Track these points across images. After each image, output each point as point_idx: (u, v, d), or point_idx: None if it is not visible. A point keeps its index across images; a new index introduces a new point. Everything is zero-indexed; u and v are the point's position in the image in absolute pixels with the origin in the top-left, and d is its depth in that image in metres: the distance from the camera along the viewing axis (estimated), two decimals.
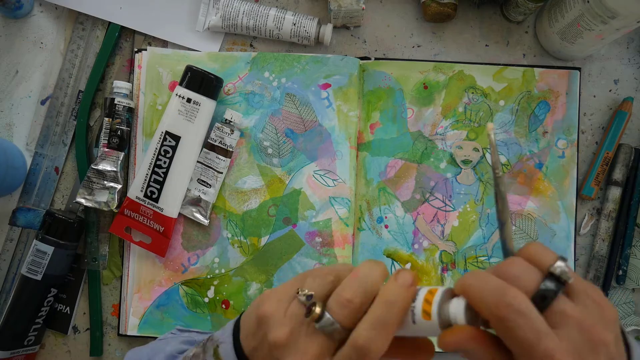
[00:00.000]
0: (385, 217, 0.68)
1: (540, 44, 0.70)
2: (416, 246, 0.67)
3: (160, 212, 0.65)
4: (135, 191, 0.65)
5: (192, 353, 0.45)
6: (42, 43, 0.71)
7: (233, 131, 0.66)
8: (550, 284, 0.34)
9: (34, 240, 0.64)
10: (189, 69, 0.64)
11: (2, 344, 0.63)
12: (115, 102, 0.65)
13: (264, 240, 0.67)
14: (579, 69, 0.69)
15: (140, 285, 0.67)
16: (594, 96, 0.70)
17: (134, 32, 0.70)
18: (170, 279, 0.67)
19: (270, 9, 0.68)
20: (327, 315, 0.37)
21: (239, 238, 0.67)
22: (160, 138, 0.64)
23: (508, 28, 0.70)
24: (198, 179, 0.66)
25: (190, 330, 0.58)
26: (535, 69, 0.68)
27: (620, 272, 0.67)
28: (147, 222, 0.65)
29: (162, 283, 0.67)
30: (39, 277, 0.63)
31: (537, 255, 0.36)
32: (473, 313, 0.35)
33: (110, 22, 0.70)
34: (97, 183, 0.65)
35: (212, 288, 0.66)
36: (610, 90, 0.70)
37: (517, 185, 0.68)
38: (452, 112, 0.68)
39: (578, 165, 0.68)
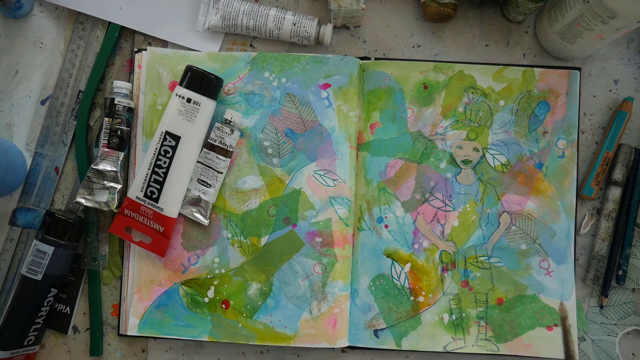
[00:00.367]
0: (385, 217, 0.68)
1: (540, 44, 0.70)
2: (416, 246, 0.67)
3: (160, 212, 0.65)
4: (135, 191, 0.65)
5: None
6: (42, 43, 0.71)
7: (233, 131, 0.66)
8: None
9: (34, 240, 0.64)
10: (189, 69, 0.64)
11: (2, 344, 0.63)
12: (115, 102, 0.65)
13: (264, 240, 0.67)
14: (579, 69, 0.69)
15: (140, 285, 0.67)
16: (594, 96, 0.70)
17: (134, 32, 0.70)
18: (170, 279, 0.67)
19: (270, 9, 0.68)
20: None
21: (239, 238, 0.67)
22: (160, 138, 0.64)
23: (508, 28, 0.70)
24: (198, 179, 0.66)
25: None
26: (535, 69, 0.68)
27: (620, 272, 0.67)
28: (147, 222, 0.65)
29: (162, 283, 0.67)
30: (39, 277, 0.63)
31: None
32: None
33: (110, 22, 0.70)
34: (97, 183, 0.65)
35: (212, 288, 0.66)
36: (610, 90, 0.70)
37: (517, 185, 0.68)
38: (452, 112, 0.68)
39: (578, 165, 0.68)
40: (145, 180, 0.65)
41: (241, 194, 0.67)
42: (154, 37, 0.70)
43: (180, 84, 0.64)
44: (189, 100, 0.64)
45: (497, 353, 0.66)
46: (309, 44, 0.69)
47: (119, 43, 0.71)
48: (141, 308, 0.66)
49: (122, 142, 0.66)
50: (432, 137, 0.68)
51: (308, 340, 0.65)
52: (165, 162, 0.64)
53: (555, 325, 0.66)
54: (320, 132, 0.67)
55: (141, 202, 0.65)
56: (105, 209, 0.65)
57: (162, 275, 0.67)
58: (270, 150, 0.68)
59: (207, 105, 0.65)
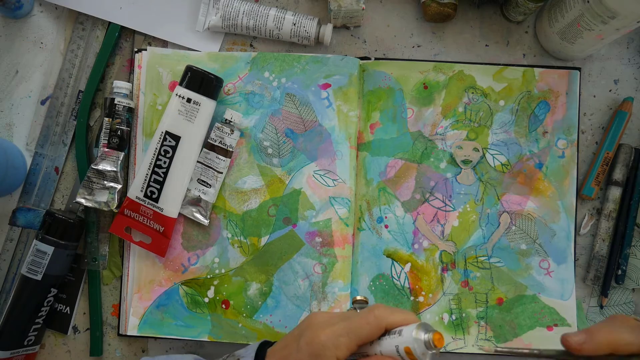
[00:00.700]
0: (385, 217, 0.68)
1: (540, 44, 0.70)
2: (416, 246, 0.67)
3: (160, 212, 0.65)
4: (135, 191, 0.65)
5: None
6: (42, 43, 0.71)
7: (233, 131, 0.66)
8: None
9: (34, 240, 0.64)
10: (189, 69, 0.64)
11: (2, 344, 0.63)
12: (115, 102, 0.65)
13: (264, 240, 0.67)
14: (579, 69, 0.69)
15: (140, 285, 0.67)
16: (594, 96, 0.70)
17: (134, 32, 0.70)
18: (170, 279, 0.67)
19: (270, 9, 0.68)
20: None
21: (239, 238, 0.67)
22: (160, 138, 0.64)
23: (508, 28, 0.70)
24: (198, 179, 0.66)
25: None
26: (535, 69, 0.68)
27: (620, 272, 0.67)
28: (147, 222, 0.65)
29: (162, 283, 0.67)
30: (39, 277, 0.63)
31: None
32: None
33: (110, 22, 0.70)
34: (97, 183, 0.65)
35: (212, 288, 0.66)
36: (610, 90, 0.70)
37: (517, 185, 0.68)
38: (452, 112, 0.68)
39: (578, 165, 0.68)
40: (145, 180, 0.65)
41: (241, 194, 0.67)
42: (154, 37, 0.70)
43: (180, 84, 0.64)
44: (189, 100, 0.64)
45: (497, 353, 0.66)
46: (309, 44, 0.69)
47: (119, 43, 0.71)
48: (141, 308, 0.66)
49: (122, 142, 0.66)
50: (432, 137, 0.68)
51: None
52: (165, 162, 0.64)
53: (555, 325, 0.66)
54: (320, 132, 0.67)
55: (141, 202, 0.65)
56: (105, 209, 0.65)
57: (162, 275, 0.67)
58: (270, 150, 0.68)
59: (207, 105, 0.65)
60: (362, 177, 0.68)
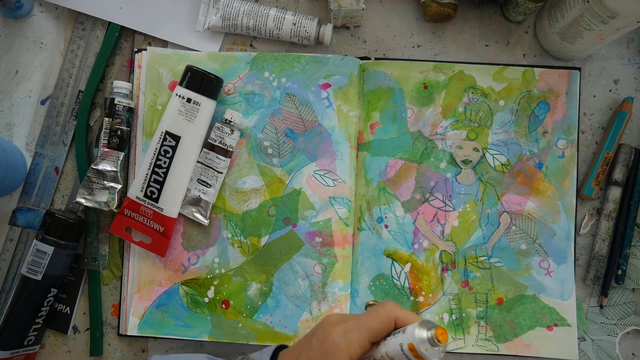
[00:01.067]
0: (385, 217, 0.68)
1: (540, 44, 0.70)
2: (416, 246, 0.67)
3: (160, 212, 0.65)
4: (135, 191, 0.65)
5: None
6: (42, 43, 0.71)
7: (233, 131, 0.66)
8: None
9: (34, 240, 0.64)
10: (189, 69, 0.64)
11: (2, 344, 0.63)
12: (115, 102, 0.65)
13: (264, 240, 0.67)
14: (579, 69, 0.69)
15: (140, 285, 0.67)
16: (594, 96, 0.70)
17: (134, 32, 0.70)
18: (170, 279, 0.67)
19: (270, 9, 0.68)
20: None
21: (239, 238, 0.67)
22: (160, 138, 0.64)
23: (508, 28, 0.70)
24: (198, 179, 0.66)
25: None
26: (535, 69, 0.68)
27: (620, 272, 0.67)
28: (147, 222, 0.65)
29: (162, 283, 0.67)
30: (39, 277, 0.63)
31: None
32: None
33: (110, 22, 0.70)
34: (97, 183, 0.65)
35: (212, 288, 0.66)
36: (610, 90, 0.70)
37: (517, 185, 0.68)
38: (452, 112, 0.68)
39: (578, 165, 0.68)
40: (145, 180, 0.65)
41: (241, 194, 0.67)
42: (154, 37, 0.70)
43: (180, 84, 0.64)
44: (189, 100, 0.64)
45: (497, 353, 0.66)
46: (309, 44, 0.69)
47: (119, 43, 0.71)
48: (141, 308, 0.66)
49: (122, 142, 0.66)
50: (432, 137, 0.68)
51: None
52: (165, 162, 0.64)
53: (555, 325, 0.66)
54: (320, 132, 0.67)
55: (141, 202, 0.65)
56: (105, 209, 0.65)
57: (162, 275, 0.67)
58: (270, 150, 0.68)
59: (207, 105, 0.65)
60: (362, 177, 0.68)
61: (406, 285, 0.67)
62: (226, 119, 0.66)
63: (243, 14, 0.67)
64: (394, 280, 0.67)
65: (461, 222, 0.67)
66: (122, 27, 0.70)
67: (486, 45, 0.70)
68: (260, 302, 0.66)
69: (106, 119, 0.66)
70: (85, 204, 0.65)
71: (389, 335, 0.46)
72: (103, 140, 0.66)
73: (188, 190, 0.66)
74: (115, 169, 0.66)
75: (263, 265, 0.66)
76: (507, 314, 0.66)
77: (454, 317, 0.66)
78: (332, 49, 0.70)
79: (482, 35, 0.70)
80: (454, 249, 0.67)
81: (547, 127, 0.68)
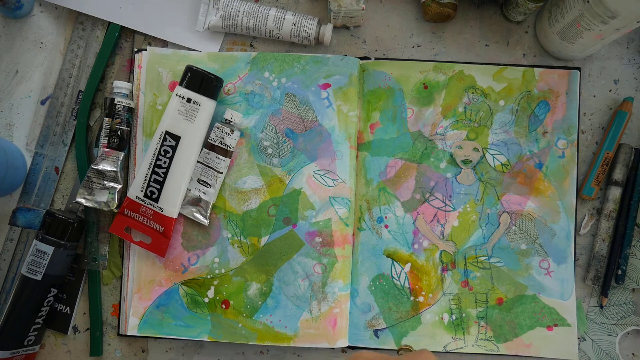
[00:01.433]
0: (385, 217, 0.68)
1: (540, 44, 0.70)
2: (416, 246, 0.67)
3: (160, 212, 0.65)
4: (135, 191, 0.65)
5: None
6: (42, 43, 0.71)
7: (233, 131, 0.66)
8: None
9: (34, 240, 0.64)
10: (189, 69, 0.64)
11: (2, 344, 0.63)
12: (115, 102, 0.65)
13: (264, 240, 0.67)
14: (579, 69, 0.69)
15: (140, 285, 0.67)
16: (594, 96, 0.70)
17: (134, 32, 0.70)
18: (170, 279, 0.67)
19: (270, 9, 0.68)
20: None
21: (239, 238, 0.67)
22: (160, 138, 0.64)
23: (508, 28, 0.70)
24: (198, 179, 0.66)
25: None
26: (535, 69, 0.68)
27: (620, 272, 0.67)
28: (147, 222, 0.65)
29: (162, 283, 0.67)
30: (39, 277, 0.63)
31: None
32: None
33: (110, 22, 0.70)
34: (97, 183, 0.65)
35: (212, 288, 0.66)
36: (610, 90, 0.70)
37: (517, 185, 0.68)
38: (452, 112, 0.68)
39: (578, 165, 0.68)
40: (145, 180, 0.65)
41: (241, 194, 0.67)
42: (154, 37, 0.70)
43: (180, 84, 0.64)
44: (189, 100, 0.64)
45: (497, 353, 0.66)
46: (309, 44, 0.69)
47: (119, 43, 0.71)
48: (141, 308, 0.66)
49: (122, 142, 0.66)
50: (432, 137, 0.68)
51: (308, 340, 0.65)
52: (165, 162, 0.64)
53: (555, 325, 0.66)
54: (320, 132, 0.67)
55: (141, 202, 0.65)
56: (105, 209, 0.65)
57: (162, 275, 0.67)
58: (270, 150, 0.68)
59: (207, 105, 0.65)
60: (362, 177, 0.68)
61: (406, 285, 0.67)
62: (226, 119, 0.66)
63: (243, 14, 0.67)
64: (394, 280, 0.67)
65: (461, 222, 0.67)
66: (122, 27, 0.70)
67: (486, 45, 0.70)
68: (260, 302, 0.66)
69: (106, 119, 0.66)
70: (85, 204, 0.65)
71: None
72: (103, 140, 0.66)
73: (188, 190, 0.66)
74: (115, 169, 0.66)
75: (263, 265, 0.66)
76: (507, 314, 0.66)
77: (454, 317, 0.66)
78: (332, 49, 0.70)
79: (482, 35, 0.70)
80: (454, 249, 0.67)
81: (547, 127, 0.68)
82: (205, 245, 0.67)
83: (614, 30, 0.59)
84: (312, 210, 0.67)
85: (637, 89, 0.70)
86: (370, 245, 0.67)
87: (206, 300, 0.66)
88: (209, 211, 0.66)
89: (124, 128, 0.66)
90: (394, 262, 0.67)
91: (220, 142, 0.66)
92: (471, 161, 0.68)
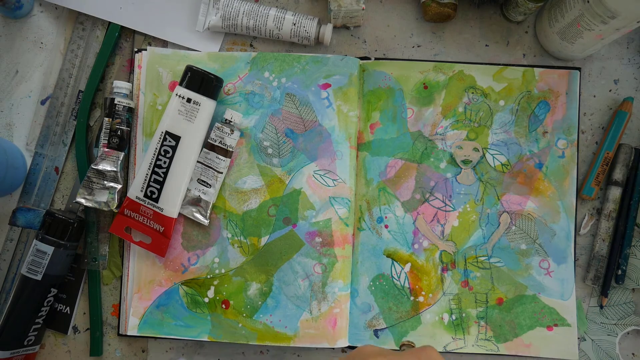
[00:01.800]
0: (385, 217, 0.68)
1: (540, 44, 0.70)
2: (416, 246, 0.67)
3: (160, 212, 0.65)
4: (135, 191, 0.65)
5: None
6: (42, 43, 0.71)
7: (233, 131, 0.66)
8: None
9: (34, 240, 0.64)
10: (189, 69, 0.64)
11: (2, 344, 0.63)
12: (115, 102, 0.65)
13: (264, 240, 0.67)
14: (579, 69, 0.69)
15: (140, 285, 0.67)
16: (594, 96, 0.70)
17: (134, 32, 0.70)
18: (170, 279, 0.67)
19: (270, 9, 0.68)
20: None
21: (239, 238, 0.67)
22: (160, 138, 0.64)
23: (508, 28, 0.70)
24: (198, 179, 0.66)
25: None
26: (535, 69, 0.68)
27: (620, 272, 0.67)
28: (147, 222, 0.65)
29: (162, 283, 0.67)
30: (39, 277, 0.63)
31: None
32: None
33: (110, 22, 0.70)
34: (97, 183, 0.65)
35: (212, 288, 0.66)
36: (610, 90, 0.70)
37: (517, 185, 0.68)
38: (452, 112, 0.68)
39: (578, 165, 0.68)
40: (145, 180, 0.65)
41: (241, 194, 0.67)
42: (154, 37, 0.70)
43: (180, 84, 0.64)
44: (189, 100, 0.64)
45: (497, 353, 0.66)
46: (309, 44, 0.69)
47: (119, 43, 0.71)
48: (141, 308, 0.66)
49: (122, 142, 0.66)
50: (432, 137, 0.68)
51: (308, 340, 0.65)
52: (165, 162, 0.64)
53: (555, 325, 0.66)
54: (320, 132, 0.67)
55: (141, 202, 0.65)
56: (105, 209, 0.65)
57: (162, 275, 0.67)
58: (270, 150, 0.68)
59: (207, 105, 0.65)
60: (362, 177, 0.68)
61: (406, 285, 0.67)
62: (226, 119, 0.66)
63: (243, 14, 0.67)
64: (394, 280, 0.67)
65: (461, 222, 0.67)
66: (122, 27, 0.70)
67: (486, 45, 0.70)
68: (260, 302, 0.66)
69: (106, 119, 0.66)
70: (85, 204, 0.65)
71: None
72: (103, 140, 0.66)
73: (188, 190, 0.66)
74: (115, 169, 0.66)
75: (263, 265, 0.66)
76: (507, 314, 0.66)
77: (454, 317, 0.66)
78: (332, 49, 0.70)
79: (482, 35, 0.70)
80: (454, 249, 0.67)
81: (547, 127, 0.68)
82: (205, 245, 0.67)
83: (614, 30, 0.59)
84: (312, 210, 0.67)
85: (637, 89, 0.70)
86: (370, 245, 0.67)
87: (206, 300, 0.66)
88: (209, 211, 0.66)
89: (124, 128, 0.66)
90: (394, 262, 0.67)
91: (220, 142, 0.66)
92: (471, 161, 0.68)
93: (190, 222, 0.67)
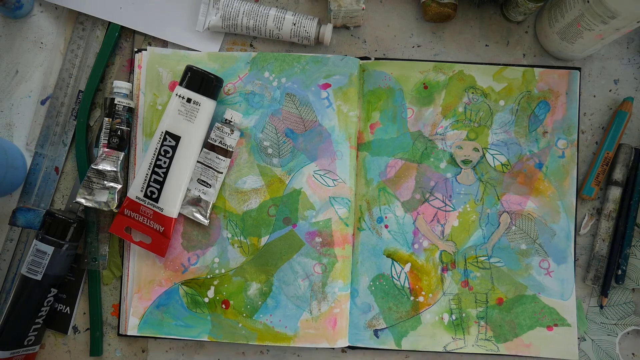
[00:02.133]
0: (385, 217, 0.68)
1: (540, 44, 0.70)
2: (416, 246, 0.67)
3: (160, 212, 0.65)
4: (135, 191, 0.65)
5: None
6: (42, 43, 0.71)
7: (233, 131, 0.66)
8: None
9: (34, 240, 0.64)
10: (189, 69, 0.64)
11: (2, 344, 0.63)
12: (115, 102, 0.65)
13: (264, 240, 0.67)
14: (579, 69, 0.69)
15: (140, 285, 0.67)
16: (594, 96, 0.70)
17: (134, 32, 0.70)
18: (170, 279, 0.67)
19: (270, 9, 0.68)
20: None
21: (239, 238, 0.67)
22: (160, 138, 0.64)
23: (508, 28, 0.70)
24: (198, 179, 0.66)
25: None
26: (535, 69, 0.68)
27: (620, 272, 0.67)
28: (147, 222, 0.65)
29: (162, 283, 0.67)
30: (39, 277, 0.63)
31: None
32: None
33: (110, 22, 0.70)
34: (97, 183, 0.65)
35: (212, 288, 0.66)
36: (610, 90, 0.70)
37: (517, 185, 0.68)
38: (452, 112, 0.68)
39: (578, 165, 0.68)
40: (145, 180, 0.65)
41: (241, 194, 0.67)
42: (154, 37, 0.70)
43: (180, 84, 0.64)
44: (189, 100, 0.64)
45: (497, 353, 0.66)
46: (309, 44, 0.69)
47: (119, 43, 0.71)
48: (141, 308, 0.66)
49: (122, 142, 0.66)
50: (432, 137, 0.68)
51: (308, 340, 0.65)
52: (165, 162, 0.64)
53: (555, 325, 0.66)
54: (320, 132, 0.67)
55: (141, 202, 0.65)
56: (105, 209, 0.65)
57: (162, 275, 0.67)
58: (270, 150, 0.68)
59: (207, 105, 0.65)
60: (362, 177, 0.68)
61: (406, 285, 0.67)
62: (226, 119, 0.66)
63: (243, 14, 0.67)
64: (394, 280, 0.67)
65: (461, 222, 0.67)
66: (122, 27, 0.70)
67: (486, 45, 0.70)
68: (260, 302, 0.66)
69: (106, 119, 0.66)
70: (85, 204, 0.65)
71: None
72: (103, 140, 0.66)
73: (188, 190, 0.66)
74: (115, 169, 0.66)
75: (263, 265, 0.66)
76: (507, 314, 0.66)
77: (454, 317, 0.66)
78: (332, 49, 0.70)
79: (482, 35, 0.70)
80: (454, 249, 0.67)
81: (547, 127, 0.68)
82: (205, 245, 0.67)
83: (614, 30, 0.59)
84: (312, 210, 0.67)
85: (637, 89, 0.70)
86: (370, 245, 0.67)
87: (206, 300, 0.66)
88: (209, 211, 0.66)
89: (124, 128, 0.66)
90: (394, 262, 0.67)
91: (220, 142, 0.66)
92: (471, 161, 0.68)
93: (190, 222, 0.67)
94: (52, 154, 0.69)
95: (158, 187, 0.65)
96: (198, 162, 0.66)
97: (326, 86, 0.68)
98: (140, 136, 0.68)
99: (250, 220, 0.67)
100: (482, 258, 0.67)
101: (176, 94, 0.64)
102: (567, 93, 0.68)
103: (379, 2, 0.71)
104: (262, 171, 0.67)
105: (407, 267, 0.67)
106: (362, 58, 0.69)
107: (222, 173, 0.66)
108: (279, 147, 0.68)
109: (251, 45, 0.71)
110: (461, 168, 0.68)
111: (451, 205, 0.68)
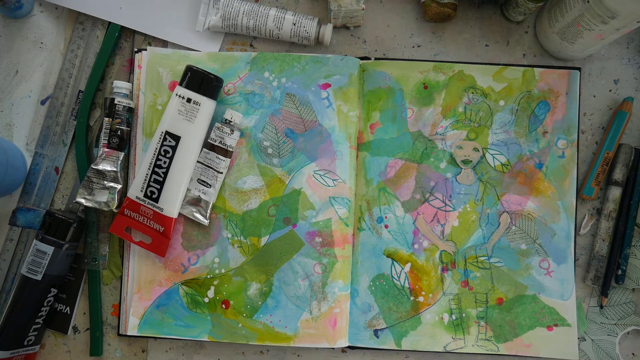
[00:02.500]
0: (385, 217, 0.68)
1: (540, 44, 0.70)
2: (416, 246, 0.67)
3: (160, 212, 0.65)
4: (135, 191, 0.65)
5: None
6: (42, 43, 0.71)
7: (233, 131, 0.66)
8: None
9: (34, 240, 0.64)
10: (189, 69, 0.64)
11: (2, 344, 0.63)
12: (115, 102, 0.65)
13: (264, 240, 0.67)
14: (579, 69, 0.69)
15: (140, 285, 0.67)
16: (594, 96, 0.70)
17: (134, 32, 0.71)
18: (170, 279, 0.67)
19: (270, 9, 0.68)
20: None
21: (239, 238, 0.67)
22: (160, 138, 0.64)
23: (508, 28, 0.70)
24: (198, 179, 0.66)
25: None
26: (535, 69, 0.68)
27: (620, 272, 0.67)
28: (147, 222, 0.65)
29: (162, 283, 0.67)
30: (39, 277, 0.63)
31: None
32: None
33: (110, 22, 0.70)
34: (97, 183, 0.65)
35: (212, 288, 0.66)
36: (610, 90, 0.70)
37: (517, 185, 0.68)
38: (452, 112, 0.68)
39: (578, 165, 0.68)
40: (145, 180, 0.65)
41: (241, 194, 0.67)
42: (154, 37, 0.70)
43: (180, 84, 0.64)
44: (189, 100, 0.64)
45: (497, 353, 0.66)
46: (309, 44, 0.69)
47: (119, 43, 0.71)
48: (141, 308, 0.66)
49: (122, 142, 0.66)
50: (432, 137, 0.68)
51: (308, 340, 0.65)
52: (165, 162, 0.64)
53: (555, 325, 0.66)
54: (320, 132, 0.67)
55: (141, 202, 0.65)
56: (105, 209, 0.65)
57: (162, 275, 0.67)
58: (270, 150, 0.68)
59: (207, 105, 0.65)
60: (362, 177, 0.68)
61: (406, 285, 0.67)
62: (226, 119, 0.66)
63: (243, 14, 0.67)
64: (394, 280, 0.67)
65: (461, 222, 0.67)
66: (122, 27, 0.70)
67: (486, 45, 0.70)
68: (260, 302, 0.66)
69: (106, 119, 0.66)
70: (85, 204, 0.65)
71: None
72: (103, 140, 0.66)
73: (188, 190, 0.66)
74: (115, 169, 0.66)
75: (263, 265, 0.66)
76: (507, 314, 0.66)
77: (454, 317, 0.66)
78: (332, 49, 0.70)
79: (482, 35, 0.70)
80: (454, 249, 0.67)
81: (547, 127, 0.68)
82: (205, 245, 0.67)
83: (614, 30, 0.59)
84: (312, 210, 0.67)
85: (637, 89, 0.70)
86: (370, 245, 0.67)
87: (206, 300, 0.66)
88: (209, 211, 0.66)
89: (124, 128, 0.66)
90: (394, 262, 0.67)
91: (220, 142, 0.66)
92: (471, 161, 0.68)
93: (190, 222, 0.67)
94: (52, 154, 0.69)
95: (158, 187, 0.65)
96: (198, 162, 0.66)
97: (326, 86, 0.68)
98: (140, 136, 0.68)
99: (250, 220, 0.67)
100: (482, 258, 0.67)
101: (176, 94, 0.64)
102: (567, 93, 0.68)
103: (379, 2, 0.71)
104: (262, 171, 0.67)
105: (407, 267, 0.67)
106: (362, 58, 0.69)
107: (222, 173, 0.66)
108: (279, 147, 0.68)
109: (251, 45, 0.71)
110: (461, 168, 0.68)
111: (451, 205, 0.68)
